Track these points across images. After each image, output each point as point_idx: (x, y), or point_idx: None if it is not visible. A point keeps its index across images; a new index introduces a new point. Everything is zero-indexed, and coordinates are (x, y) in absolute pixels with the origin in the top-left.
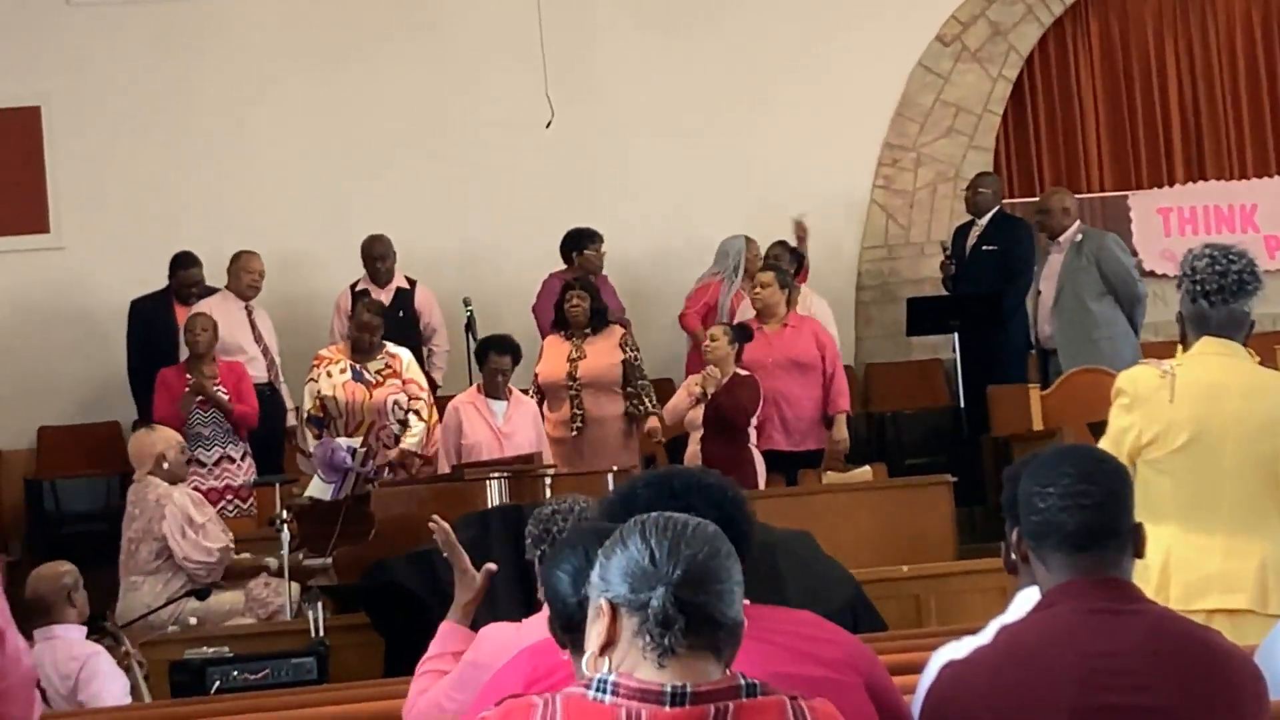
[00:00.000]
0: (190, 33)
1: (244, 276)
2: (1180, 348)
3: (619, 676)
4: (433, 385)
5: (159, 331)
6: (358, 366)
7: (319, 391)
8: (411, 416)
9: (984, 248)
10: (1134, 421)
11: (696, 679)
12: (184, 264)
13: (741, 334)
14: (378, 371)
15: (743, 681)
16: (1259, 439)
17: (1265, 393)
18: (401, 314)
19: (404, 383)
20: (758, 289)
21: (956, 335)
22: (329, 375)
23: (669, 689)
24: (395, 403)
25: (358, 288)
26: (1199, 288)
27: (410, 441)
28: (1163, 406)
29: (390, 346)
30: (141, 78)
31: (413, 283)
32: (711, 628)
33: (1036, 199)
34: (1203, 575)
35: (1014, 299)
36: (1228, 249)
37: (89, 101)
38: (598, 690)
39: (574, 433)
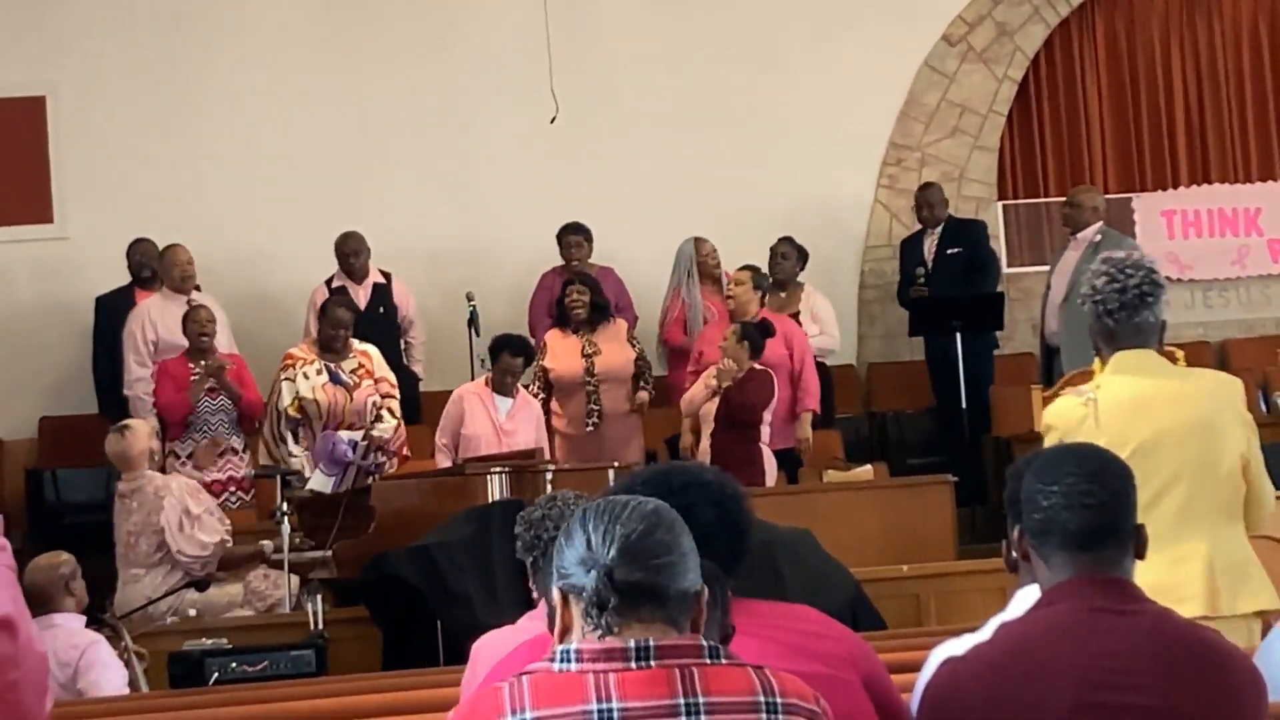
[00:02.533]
0: (197, 24)
1: (173, 270)
2: (1098, 362)
3: (580, 644)
4: (413, 378)
5: (123, 325)
6: (333, 367)
7: (298, 392)
8: (384, 413)
9: (949, 251)
10: None
11: (656, 636)
12: (136, 243)
13: (754, 332)
14: (353, 371)
15: (704, 643)
16: (1192, 444)
17: (1189, 399)
18: (381, 309)
19: (376, 381)
20: (732, 286)
21: (958, 336)
22: (305, 377)
23: (632, 645)
24: (373, 403)
25: (333, 284)
26: (1101, 306)
27: (381, 429)
28: (1091, 433)
29: (357, 344)
30: (147, 68)
31: (387, 276)
32: (657, 601)
33: (1040, 200)
34: (1150, 588)
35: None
36: (1124, 263)
37: (94, 92)
38: (562, 660)
39: (590, 428)
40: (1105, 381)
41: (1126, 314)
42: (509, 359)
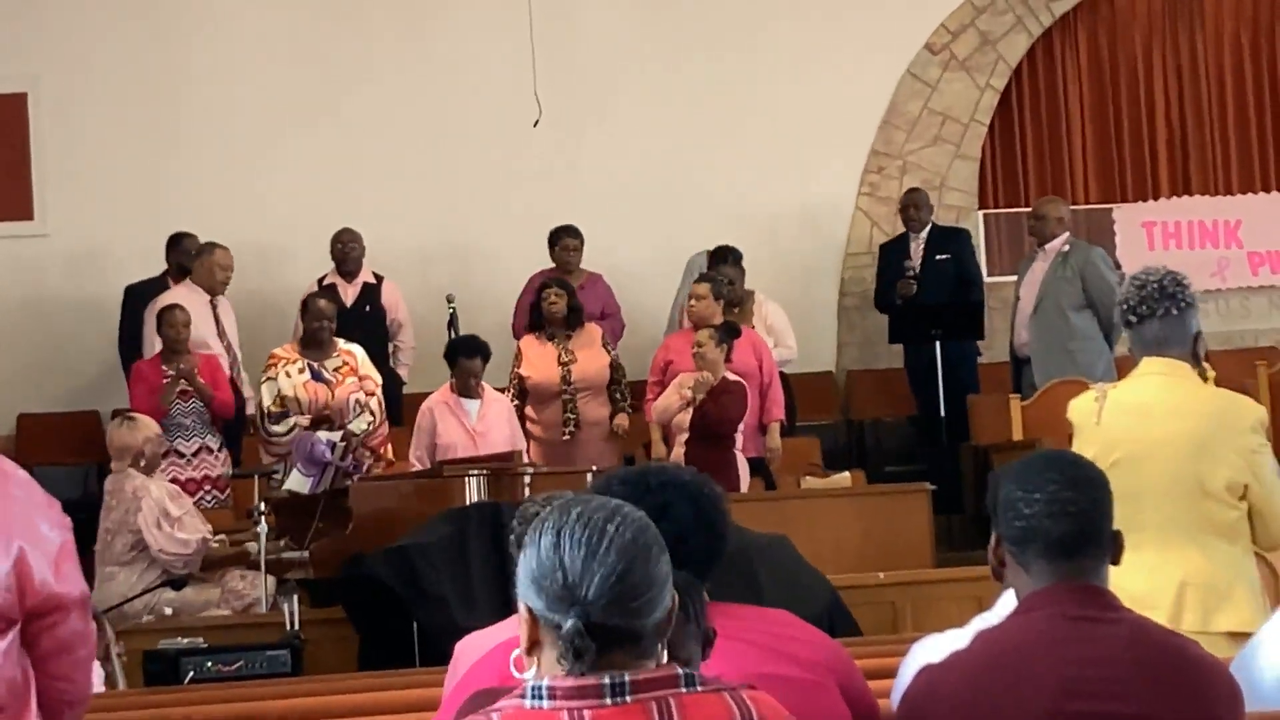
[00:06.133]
0: (180, 20)
1: (217, 273)
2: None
3: (552, 680)
4: (399, 381)
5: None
6: (315, 365)
7: (279, 390)
8: (365, 412)
9: (938, 257)
10: (1078, 448)
11: (630, 670)
12: (180, 240)
13: (728, 332)
14: (336, 369)
15: (680, 671)
16: (1185, 460)
17: (1188, 414)
18: (368, 308)
19: (360, 379)
20: (693, 300)
21: (938, 344)
22: (288, 375)
23: (607, 682)
24: (356, 400)
25: (325, 282)
26: (1126, 307)
27: (356, 425)
28: (1092, 430)
29: (342, 343)
30: (130, 65)
31: (379, 278)
32: (631, 640)
33: (1021, 210)
34: (1124, 595)
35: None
36: (1150, 268)
37: (76, 88)
38: (534, 697)
39: (566, 436)
40: (1125, 382)
41: (1148, 308)
42: (465, 362)
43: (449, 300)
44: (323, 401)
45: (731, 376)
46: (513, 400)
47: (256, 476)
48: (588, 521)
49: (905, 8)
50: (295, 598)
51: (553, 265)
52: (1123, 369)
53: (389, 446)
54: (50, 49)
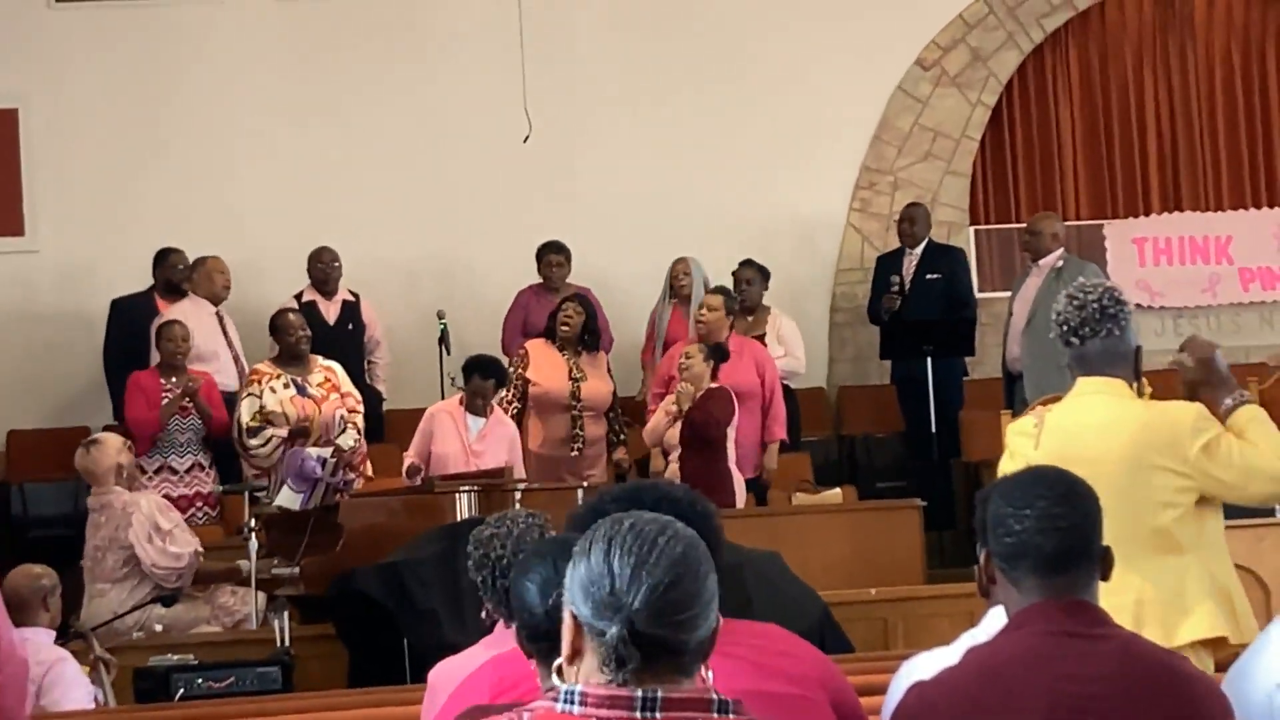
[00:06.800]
0: (170, 38)
1: (217, 279)
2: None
3: (586, 686)
4: (377, 397)
5: (141, 331)
6: (299, 380)
7: (262, 406)
8: (349, 428)
9: (928, 276)
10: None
11: (665, 687)
12: (170, 252)
13: (717, 353)
14: (319, 385)
15: (715, 696)
16: (1123, 477)
17: (1122, 431)
18: (350, 326)
19: (342, 396)
20: (704, 311)
21: (928, 360)
22: (272, 391)
23: (640, 695)
24: (340, 416)
25: (303, 299)
26: (1066, 328)
27: (344, 440)
28: (1030, 455)
29: (321, 360)
30: (120, 82)
31: (356, 296)
32: (674, 654)
33: (1012, 225)
34: None
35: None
36: (1084, 285)
37: (67, 105)
38: (566, 701)
39: (574, 453)
40: (1060, 404)
41: (1090, 330)
42: (479, 381)
43: (440, 317)
44: (309, 416)
45: (714, 385)
46: (513, 402)
47: (246, 493)
48: (640, 533)
49: (896, 24)
50: (286, 614)
51: (540, 281)
52: None
53: (369, 463)
54: (40, 66)
